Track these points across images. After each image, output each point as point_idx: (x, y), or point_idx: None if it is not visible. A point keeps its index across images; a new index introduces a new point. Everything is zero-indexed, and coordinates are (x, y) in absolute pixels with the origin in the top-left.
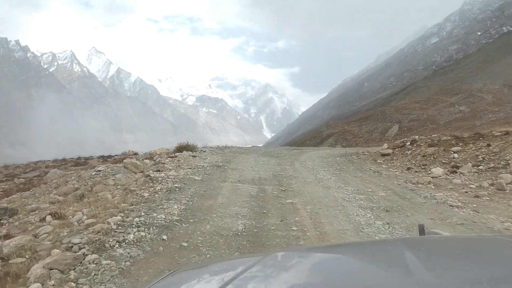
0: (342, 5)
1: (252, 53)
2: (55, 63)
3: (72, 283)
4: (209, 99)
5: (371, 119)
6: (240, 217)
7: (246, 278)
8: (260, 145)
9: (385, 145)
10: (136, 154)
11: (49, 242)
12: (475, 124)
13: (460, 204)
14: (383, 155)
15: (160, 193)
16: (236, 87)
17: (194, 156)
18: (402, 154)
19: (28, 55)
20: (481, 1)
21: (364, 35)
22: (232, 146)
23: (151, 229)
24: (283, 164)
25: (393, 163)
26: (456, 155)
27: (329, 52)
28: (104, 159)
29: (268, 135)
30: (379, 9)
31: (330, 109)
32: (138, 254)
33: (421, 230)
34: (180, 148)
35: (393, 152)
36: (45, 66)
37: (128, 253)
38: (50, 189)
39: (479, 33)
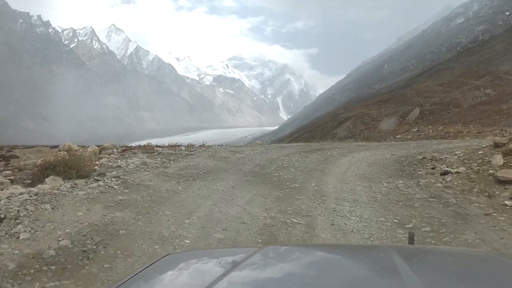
0: None
1: (270, 33)
2: (76, 39)
3: None
4: (226, 79)
5: (391, 102)
6: None
7: (243, 268)
8: (273, 128)
9: (499, 158)
10: (69, 150)
11: None
12: (502, 108)
13: None
14: (503, 181)
15: None
16: (253, 67)
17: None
18: None
19: (49, 31)
20: None
21: (384, 15)
22: (213, 146)
23: None
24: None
25: None
26: None
27: (348, 33)
28: None
29: (285, 116)
30: None
31: (348, 91)
32: None
33: (411, 238)
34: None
35: None
36: (66, 42)
37: None
38: None
39: (507, 13)
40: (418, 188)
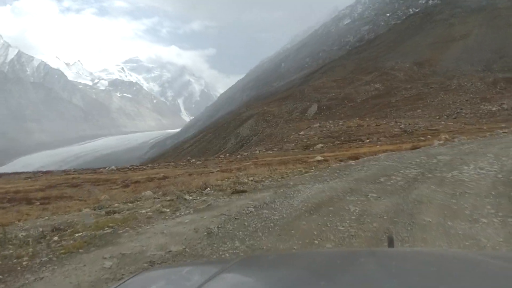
0: None
1: (166, 35)
2: None
3: None
4: (123, 83)
5: (290, 99)
6: None
7: (219, 280)
8: (176, 131)
9: None
10: None
11: None
12: (391, 101)
13: None
14: None
15: None
16: (151, 69)
17: None
18: None
19: None
20: None
21: (279, 16)
22: None
23: None
24: None
25: None
26: None
27: (245, 33)
28: None
29: (187, 118)
30: None
31: (249, 90)
32: None
33: (390, 241)
34: None
35: None
36: None
37: None
38: None
39: (388, 14)
40: None
